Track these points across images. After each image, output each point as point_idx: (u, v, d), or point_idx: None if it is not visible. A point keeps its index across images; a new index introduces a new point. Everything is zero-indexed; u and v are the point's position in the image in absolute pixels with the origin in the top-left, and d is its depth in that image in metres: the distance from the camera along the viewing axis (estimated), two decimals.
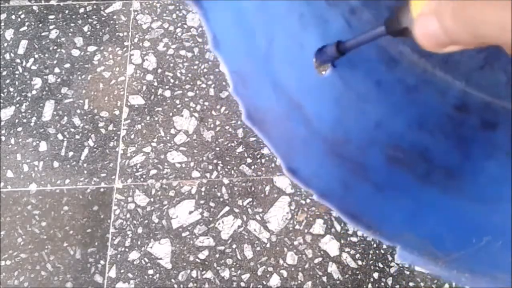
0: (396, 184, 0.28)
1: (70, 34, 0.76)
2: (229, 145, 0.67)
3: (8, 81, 0.72)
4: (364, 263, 0.60)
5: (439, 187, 0.28)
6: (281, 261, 0.60)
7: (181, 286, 0.59)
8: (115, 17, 0.77)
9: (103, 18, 0.77)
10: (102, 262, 0.60)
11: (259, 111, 0.24)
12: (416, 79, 0.31)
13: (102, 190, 0.64)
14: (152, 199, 0.63)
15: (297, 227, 0.62)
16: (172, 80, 0.71)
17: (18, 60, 0.74)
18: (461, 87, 0.31)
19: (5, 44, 0.75)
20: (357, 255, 0.60)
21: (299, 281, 0.59)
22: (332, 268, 0.59)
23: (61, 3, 0.78)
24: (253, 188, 0.64)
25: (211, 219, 0.62)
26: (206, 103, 0.69)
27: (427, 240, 0.25)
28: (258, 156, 0.66)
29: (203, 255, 0.60)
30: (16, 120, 0.69)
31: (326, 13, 0.30)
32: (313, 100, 0.29)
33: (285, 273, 0.59)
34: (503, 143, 0.29)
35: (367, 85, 0.30)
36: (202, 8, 0.22)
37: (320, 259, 0.60)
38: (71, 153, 0.67)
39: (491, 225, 0.26)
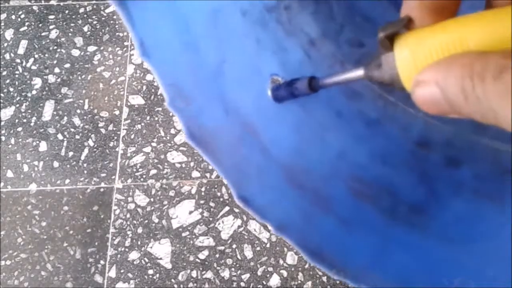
0: (361, 218, 0.26)
1: (70, 34, 0.76)
2: None
3: (8, 81, 0.72)
4: None
5: (406, 223, 0.27)
6: (281, 261, 0.60)
7: (181, 286, 0.59)
8: (115, 17, 0.77)
9: (103, 18, 0.77)
10: (102, 262, 0.60)
11: (205, 131, 0.22)
12: (378, 112, 0.30)
13: (102, 190, 0.64)
14: (152, 199, 0.63)
15: None
16: None
17: (18, 60, 0.74)
18: (423, 120, 0.29)
19: (5, 44, 0.75)
20: None
21: (299, 281, 0.59)
22: None
23: (61, 3, 0.78)
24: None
25: (211, 219, 0.62)
26: None
27: (395, 281, 0.23)
28: None
29: (203, 255, 0.60)
30: (16, 120, 0.69)
31: (284, 42, 0.28)
32: (271, 126, 0.27)
33: (285, 273, 0.59)
34: (468, 181, 0.28)
35: (328, 114, 0.29)
36: (125, 9, 0.20)
37: None
38: (71, 153, 0.67)
39: (462, 267, 0.25)
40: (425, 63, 0.16)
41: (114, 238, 0.61)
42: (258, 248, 0.60)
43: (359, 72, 0.20)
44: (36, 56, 0.74)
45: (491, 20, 0.14)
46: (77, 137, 0.68)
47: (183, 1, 0.24)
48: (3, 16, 0.77)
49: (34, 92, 0.71)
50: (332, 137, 0.28)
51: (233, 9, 0.27)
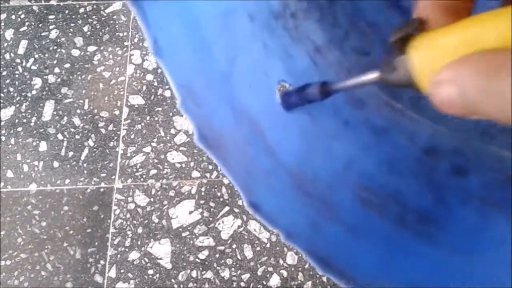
0: (369, 227, 0.26)
1: (70, 34, 0.76)
2: None
3: (8, 81, 0.72)
4: None
5: (413, 232, 0.26)
6: (281, 261, 0.60)
7: (181, 286, 0.59)
8: (115, 17, 0.77)
9: (103, 18, 0.77)
10: (102, 262, 0.60)
11: (215, 133, 0.22)
12: (384, 120, 0.30)
13: (102, 190, 0.64)
14: (152, 199, 0.63)
15: None
16: None
17: (18, 60, 0.74)
18: (430, 129, 0.29)
19: (5, 44, 0.75)
20: None
21: (299, 281, 0.59)
22: None
23: (61, 3, 0.78)
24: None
25: (211, 219, 0.62)
26: None
27: None
28: None
29: (203, 255, 0.60)
30: (16, 120, 0.69)
31: (290, 48, 0.28)
32: (278, 130, 0.27)
33: (285, 273, 0.59)
34: (475, 190, 0.28)
35: (335, 123, 0.29)
36: (140, 8, 0.20)
37: None
38: (71, 153, 0.67)
39: (469, 276, 0.25)
40: (440, 64, 0.16)
41: (114, 238, 0.61)
42: (258, 248, 0.60)
43: (373, 75, 0.20)
44: (36, 56, 0.74)
45: (505, 18, 0.14)
46: (77, 137, 0.68)
47: (194, 1, 0.24)
48: (3, 16, 0.77)
49: (34, 92, 0.71)
50: (339, 146, 0.28)
51: (242, 13, 0.27)
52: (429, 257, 0.26)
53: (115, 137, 0.68)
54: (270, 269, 0.59)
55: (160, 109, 0.69)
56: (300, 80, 0.26)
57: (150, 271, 0.59)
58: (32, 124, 0.69)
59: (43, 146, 0.67)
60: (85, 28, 0.76)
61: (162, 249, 0.61)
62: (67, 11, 0.77)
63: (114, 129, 0.68)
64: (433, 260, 0.26)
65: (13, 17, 0.77)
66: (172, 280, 0.59)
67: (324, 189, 0.26)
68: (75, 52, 0.74)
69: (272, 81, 0.27)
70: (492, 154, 0.29)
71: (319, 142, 0.28)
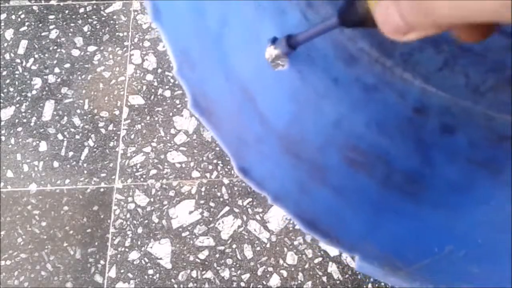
0: (355, 188, 0.27)
1: (70, 34, 0.76)
2: None
3: (8, 81, 0.72)
4: None
5: (399, 192, 0.27)
6: (281, 261, 0.60)
7: (181, 286, 0.59)
8: (115, 17, 0.77)
9: (103, 18, 0.77)
10: (102, 262, 0.60)
11: (208, 99, 0.22)
12: (375, 78, 0.30)
13: (102, 190, 0.64)
14: (152, 199, 0.63)
15: (297, 227, 0.62)
16: (172, 80, 0.71)
17: (18, 60, 0.74)
18: (420, 87, 0.30)
19: (5, 44, 0.75)
20: None
21: (299, 281, 0.59)
22: (332, 268, 0.59)
23: (61, 3, 0.78)
24: (253, 188, 0.64)
25: (211, 219, 0.62)
26: None
27: (388, 249, 0.24)
28: None
29: (203, 255, 0.60)
30: (16, 120, 0.69)
31: (283, 4, 0.28)
32: (269, 94, 0.27)
33: (285, 273, 0.59)
34: (463, 148, 0.28)
35: (325, 81, 0.29)
36: None
37: (320, 259, 0.60)
38: (71, 153, 0.67)
39: (453, 234, 0.25)
40: None
41: (114, 238, 0.61)
42: (258, 248, 0.60)
43: (333, 20, 0.22)
44: (36, 56, 0.74)
45: None
46: (77, 137, 0.68)
47: None
48: (3, 16, 0.77)
49: (34, 92, 0.71)
50: (328, 105, 0.28)
51: None
52: (415, 216, 0.26)
53: (115, 137, 0.68)
54: (270, 269, 0.59)
55: (160, 109, 0.69)
56: None
57: (150, 271, 0.59)
58: (32, 124, 0.69)
59: (43, 146, 0.67)
60: (85, 28, 0.76)
61: (162, 249, 0.61)
62: (67, 11, 0.77)
63: (114, 129, 0.68)
64: (417, 219, 0.26)
65: (13, 17, 0.77)
66: (172, 280, 0.59)
67: (313, 150, 0.27)
68: (75, 52, 0.74)
69: (263, 42, 0.27)
70: (481, 113, 0.29)
71: (309, 102, 0.28)
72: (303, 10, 0.29)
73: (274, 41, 0.25)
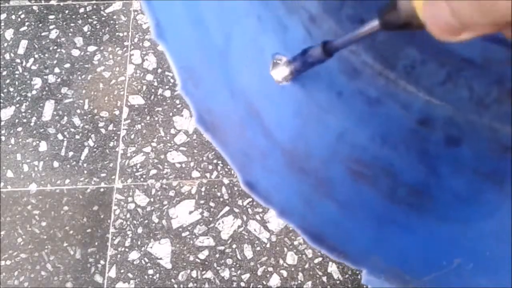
0: (360, 202, 0.27)
1: (70, 34, 0.76)
2: None
3: (8, 81, 0.72)
4: None
5: (405, 205, 0.27)
6: (281, 261, 0.60)
7: (181, 286, 0.59)
8: (115, 17, 0.77)
9: (103, 18, 0.77)
10: (102, 262, 0.60)
11: (213, 115, 0.22)
12: (379, 91, 0.30)
13: (102, 190, 0.64)
14: (152, 199, 0.63)
15: None
16: (172, 80, 0.71)
17: (18, 60, 0.74)
18: (424, 99, 0.30)
19: (5, 44, 0.75)
20: None
21: (299, 281, 0.59)
22: (332, 268, 0.59)
23: (61, 3, 0.78)
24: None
25: (211, 219, 0.62)
26: None
27: (395, 263, 0.24)
28: None
29: (203, 255, 0.60)
30: (16, 120, 0.69)
31: (285, 19, 0.28)
32: (273, 108, 0.27)
33: (285, 273, 0.59)
34: (468, 160, 0.28)
35: (329, 95, 0.29)
36: None
37: (320, 259, 0.60)
38: (71, 153, 0.67)
39: (460, 247, 0.25)
40: None
41: (114, 238, 0.61)
42: (258, 248, 0.60)
43: (374, 24, 0.20)
44: (36, 56, 0.74)
45: None
46: (77, 137, 0.68)
47: None
48: (3, 16, 0.77)
49: (34, 92, 0.71)
50: (332, 118, 0.28)
51: None
52: (421, 229, 0.26)
53: (115, 137, 0.68)
54: (270, 269, 0.59)
55: (160, 109, 0.69)
56: (295, 52, 0.26)
57: (150, 271, 0.59)
58: (32, 124, 0.69)
59: (43, 146, 0.67)
60: (85, 28, 0.76)
61: (162, 249, 0.61)
62: (67, 11, 0.77)
63: (114, 129, 0.68)
64: (424, 233, 0.26)
65: (13, 17, 0.77)
66: (172, 280, 0.59)
67: (317, 164, 0.27)
68: (75, 52, 0.74)
69: (267, 57, 0.27)
70: (486, 125, 0.29)
71: (313, 116, 0.28)
72: (306, 25, 0.29)
73: (302, 53, 0.25)
